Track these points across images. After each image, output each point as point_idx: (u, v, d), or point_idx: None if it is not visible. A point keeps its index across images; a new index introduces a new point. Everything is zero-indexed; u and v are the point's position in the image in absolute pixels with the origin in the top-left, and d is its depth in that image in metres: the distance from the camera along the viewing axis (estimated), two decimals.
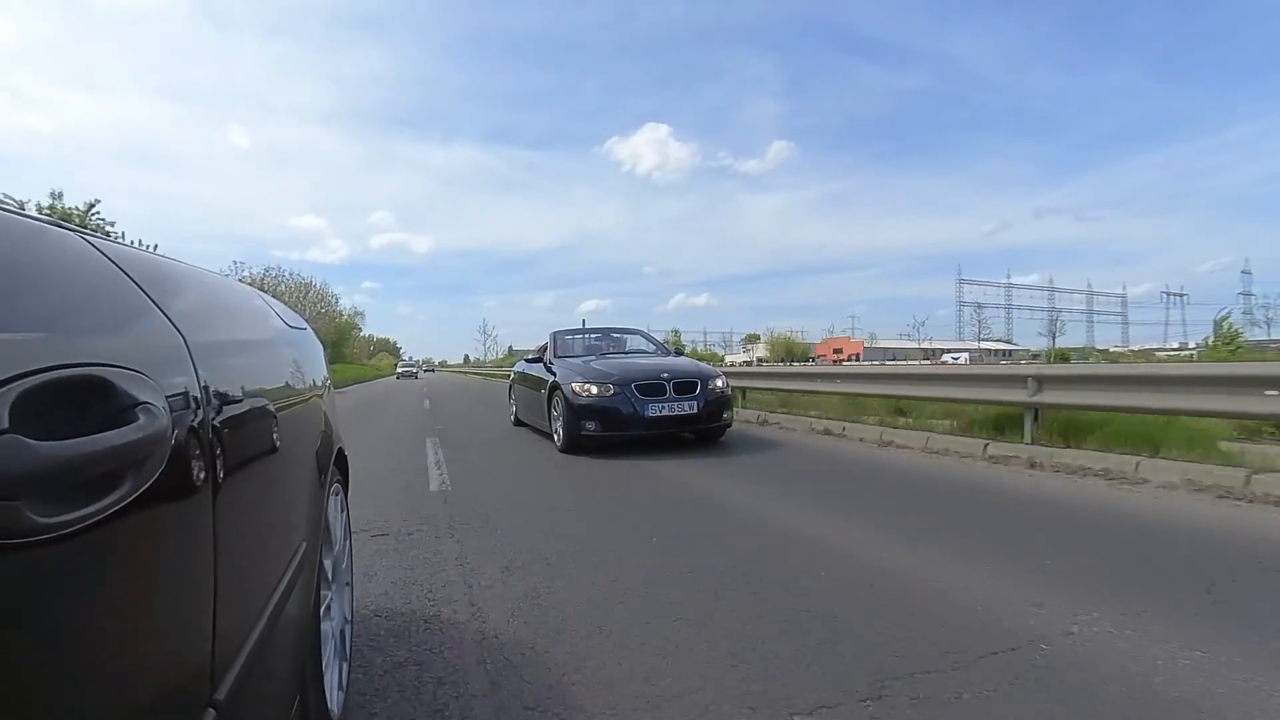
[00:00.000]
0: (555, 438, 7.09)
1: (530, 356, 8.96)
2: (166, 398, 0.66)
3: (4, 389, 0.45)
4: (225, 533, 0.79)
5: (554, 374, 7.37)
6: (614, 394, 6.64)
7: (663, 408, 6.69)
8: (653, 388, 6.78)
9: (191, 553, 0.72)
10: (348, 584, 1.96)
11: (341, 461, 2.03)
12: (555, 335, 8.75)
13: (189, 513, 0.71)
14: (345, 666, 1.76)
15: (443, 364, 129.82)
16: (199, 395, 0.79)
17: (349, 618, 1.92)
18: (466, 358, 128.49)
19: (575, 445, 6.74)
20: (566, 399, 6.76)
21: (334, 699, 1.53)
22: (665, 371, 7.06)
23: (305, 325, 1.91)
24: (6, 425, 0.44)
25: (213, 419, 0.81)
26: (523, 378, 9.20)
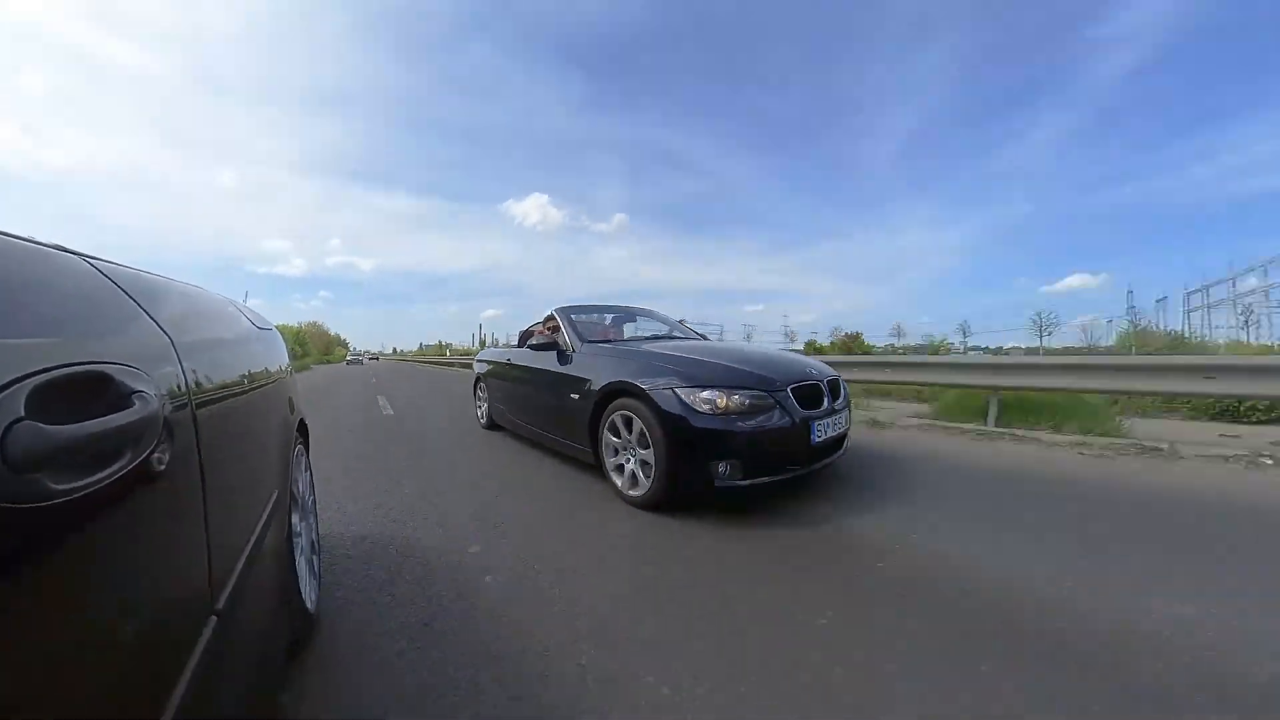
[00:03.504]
0: (623, 480, 2.87)
1: (534, 343, 4.04)
2: (157, 387, 0.64)
3: (22, 384, 0.45)
4: (213, 486, 0.77)
5: (598, 370, 3.19)
6: (769, 407, 2.62)
7: (826, 426, 2.81)
8: (810, 393, 2.86)
9: (186, 503, 0.70)
10: (314, 520, 1.86)
11: (303, 429, 1.93)
12: (565, 313, 4.07)
13: (181, 473, 0.69)
14: (316, 582, 1.68)
15: (381, 354, 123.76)
16: (185, 383, 0.76)
17: (317, 545, 1.82)
18: (421, 346, 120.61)
19: (679, 497, 2.62)
20: (669, 418, 2.59)
21: (310, 602, 1.54)
22: (804, 365, 3.11)
23: (271, 326, 1.77)
24: (23, 414, 0.43)
25: (197, 401, 0.79)
26: (512, 372, 4.60)
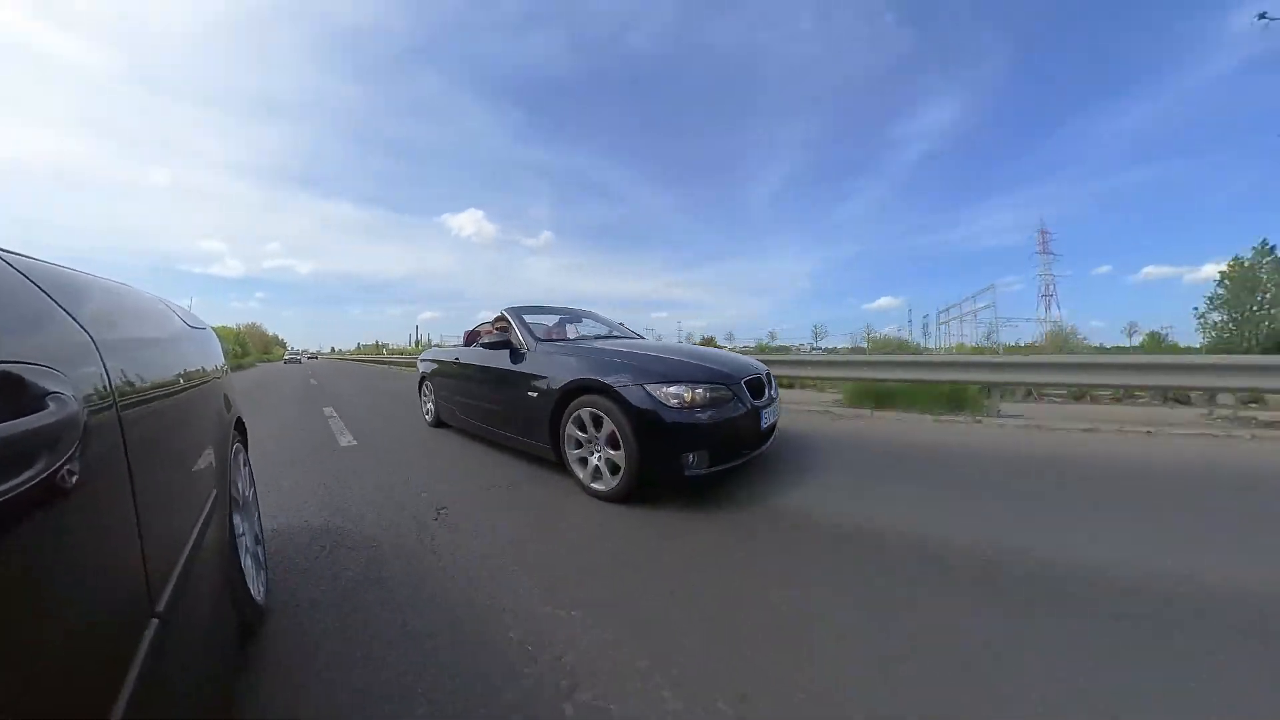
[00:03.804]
0: (585, 473, 2.85)
1: (486, 341, 3.99)
2: (76, 387, 0.60)
3: None
4: (143, 488, 0.73)
5: (558, 368, 3.14)
6: (728, 398, 2.75)
7: (768, 413, 3.04)
8: (756, 385, 3.06)
9: (114, 506, 0.66)
10: (256, 515, 1.78)
11: (241, 427, 1.83)
12: (517, 313, 3.97)
13: (107, 476, 0.65)
14: (263, 574, 1.62)
15: (320, 353, 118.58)
16: (109, 384, 0.71)
17: (260, 539, 1.74)
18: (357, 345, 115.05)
19: (643, 485, 2.62)
20: (639, 413, 2.58)
21: (258, 593, 1.50)
22: (746, 361, 3.34)
23: (205, 325, 1.66)
24: None
25: (123, 402, 0.74)
26: (462, 371, 4.42)
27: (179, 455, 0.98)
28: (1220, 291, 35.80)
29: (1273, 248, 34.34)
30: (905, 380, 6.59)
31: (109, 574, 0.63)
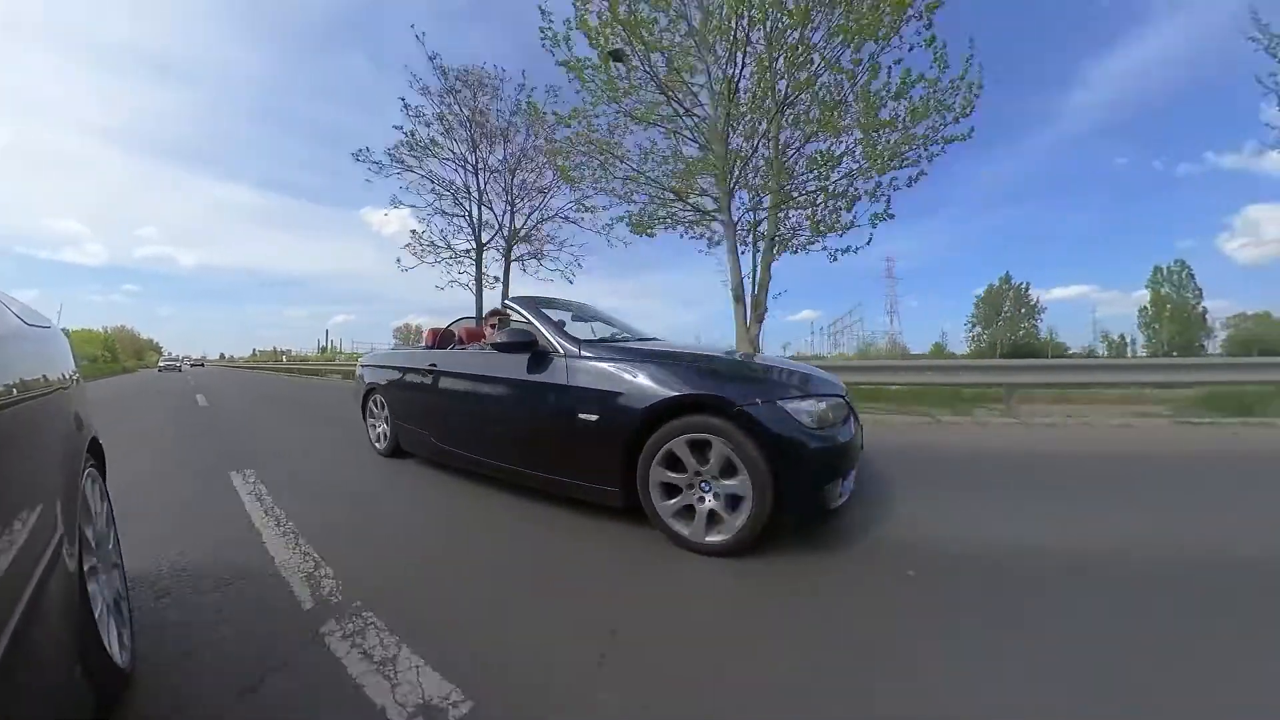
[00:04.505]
0: (692, 525, 2.13)
1: (499, 341, 2.77)
2: None
3: None
4: None
5: (630, 381, 2.29)
6: (847, 415, 2.36)
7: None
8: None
9: None
10: (115, 564, 1.46)
11: (97, 450, 1.52)
12: (532, 305, 2.96)
13: None
14: (127, 632, 1.32)
15: (207, 359, 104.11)
16: None
17: (123, 592, 1.43)
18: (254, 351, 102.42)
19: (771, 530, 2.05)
20: (776, 437, 1.99)
21: (120, 657, 1.20)
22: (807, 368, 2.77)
23: (49, 323, 1.36)
24: None
25: None
26: (440, 383, 3.34)
27: (6, 486, 0.77)
28: (974, 311, 50.33)
29: (1010, 278, 49.07)
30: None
31: None
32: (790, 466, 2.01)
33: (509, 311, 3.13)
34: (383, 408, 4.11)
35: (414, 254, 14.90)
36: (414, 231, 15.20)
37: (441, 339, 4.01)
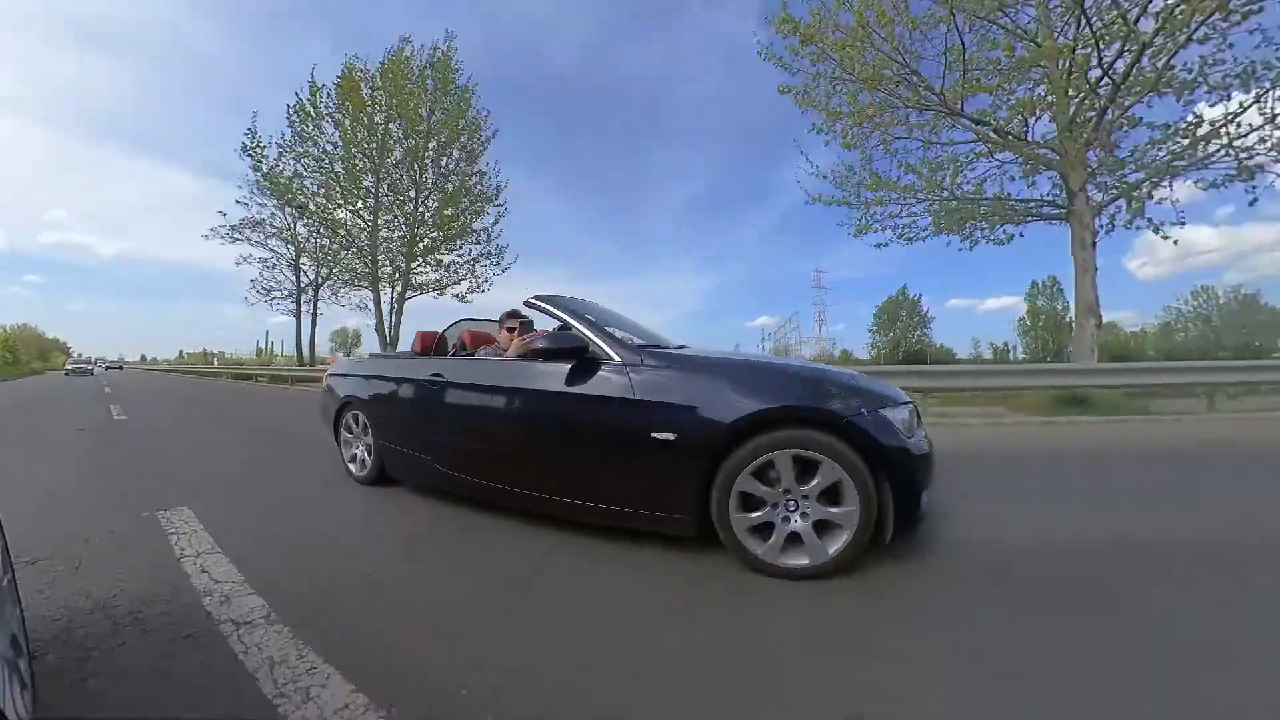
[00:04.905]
0: (779, 546, 1.93)
1: (542, 345, 2.40)
2: None
3: None
4: None
5: (706, 394, 2.04)
6: (917, 420, 2.19)
7: None
8: None
9: None
10: (16, 614, 1.30)
11: None
12: (568, 306, 2.58)
13: None
14: (29, 693, 1.18)
15: (125, 361, 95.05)
16: None
17: (25, 648, 1.28)
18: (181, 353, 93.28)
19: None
20: (883, 449, 1.88)
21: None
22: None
23: None
24: None
25: None
26: (448, 396, 2.81)
27: None
28: (874, 321, 56.56)
29: (907, 290, 55.05)
30: None
31: None
32: (900, 481, 1.91)
33: (543, 309, 2.62)
34: (364, 427, 3.40)
35: (258, 291, 23.75)
36: (252, 281, 23.61)
37: (430, 341, 3.50)
